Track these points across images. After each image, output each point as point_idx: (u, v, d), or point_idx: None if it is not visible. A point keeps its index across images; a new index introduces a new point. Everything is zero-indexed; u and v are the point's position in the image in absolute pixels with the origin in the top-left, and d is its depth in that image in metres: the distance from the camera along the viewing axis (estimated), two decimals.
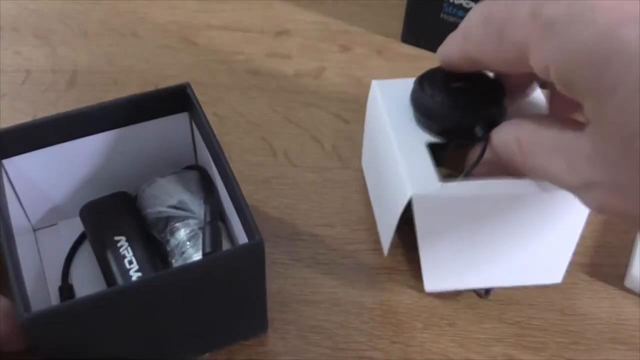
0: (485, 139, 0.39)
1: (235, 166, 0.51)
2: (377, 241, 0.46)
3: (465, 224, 0.39)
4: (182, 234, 0.41)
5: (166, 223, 0.42)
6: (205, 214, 0.41)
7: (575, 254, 0.46)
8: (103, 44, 0.61)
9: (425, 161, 0.39)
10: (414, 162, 0.39)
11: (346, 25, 0.63)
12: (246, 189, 0.49)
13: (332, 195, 0.49)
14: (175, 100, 0.42)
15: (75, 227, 0.44)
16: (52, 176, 0.43)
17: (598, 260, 0.46)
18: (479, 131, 0.39)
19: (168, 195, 0.43)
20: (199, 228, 0.41)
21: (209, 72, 0.58)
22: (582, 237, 0.47)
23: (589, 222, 0.48)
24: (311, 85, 0.57)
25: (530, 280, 0.42)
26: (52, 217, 0.45)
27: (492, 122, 0.40)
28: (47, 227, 0.45)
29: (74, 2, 0.64)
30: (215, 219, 0.40)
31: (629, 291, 0.44)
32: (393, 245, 0.43)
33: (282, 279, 0.44)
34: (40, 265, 0.43)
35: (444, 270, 0.41)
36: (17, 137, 0.40)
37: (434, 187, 0.38)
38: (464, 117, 0.40)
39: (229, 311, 0.38)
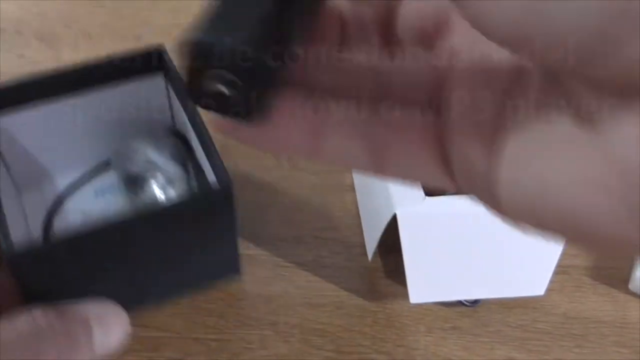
0: None
1: (239, 170, 0.51)
2: (381, 244, 0.46)
3: (450, 238, 0.40)
4: (152, 187, 0.44)
5: (136, 179, 0.45)
6: (186, 169, 0.45)
7: (578, 257, 0.46)
8: (106, 47, 0.61)
9: None
10: None
11: None
12: (250, 193, 0.50)
13: (335, 198, 0.49)
14: (150, 62, 0.44)
15: (59, 188, 0.47)
16: (34, 137, 0.44)
17: (602, 264, 0.46)
18: None
19: (137, 154, 0.46)
20: (168, 182, 0.44)
21: None
22: None
23: None
24: None
25: (513, 292, 0.43)
26: (36, 178, 0.47)
27: None
28: (31, 187, 0.47)
29: (77, 5, 0.64)
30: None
31: (633, 294, 0.44)
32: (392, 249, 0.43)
33: (286, 282, 0.44)
34: (26, 224, 0.45)
35: (429, 282, 0.41)
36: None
37: (418, 203, 0.38)
38: None
39: (202, 251, 0.40)
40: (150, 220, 0.37)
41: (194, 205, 0.37)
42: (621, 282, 0.45)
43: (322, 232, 0.47)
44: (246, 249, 0.46)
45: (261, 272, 0.45)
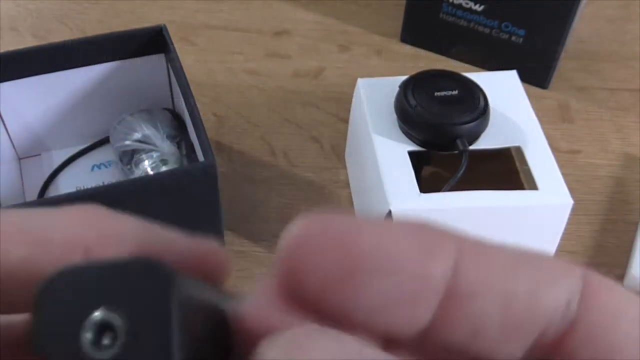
0: (467, 151, 0.39)
1: (234, 166, 0.51)
2: None
3: None
4: (145, 165, 0.45)
5: (132, 155, 0.46)
6: (180, 149, 0.47)
7: (575, 254, 0.46)
8: None
9: (406, 171, 0.39)
10: (394, 172, 0.39)
11: (345, 25, 0.63)
12: (245, 190, 0.50)
13: (331, 195, 0.49)
14: (152, 41, 0.45)
15: (56, 159, 0.48)
16: (35, 106, 0.46)
17: (597, 260, 0.46)
18: (460, 144, 0.39)
19: (134, 131, 0.47)
20: (161, 160, 0.45)
21: (207, 72, 0.58)
22: (582, 237, 0.47)
23: (588, 223, 0.48)
24: (310, 85, 0.57)
25: None
26: (36, 148, 0.48)
27: (474, 135, 0.40)
28: (30, 157, 0.48)
29: (73, 3, 0.64)
30: (191, 152, 0.46)
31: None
32: None
33: None
34: (22, 191, 0.46)
35: None
36: (4, 64, 0.42)
37: (413, 200, 0.38)
38: (445, 130, 0.40)
39: (185, 228, 0.41)
40: (132, 191, 0.38)
41: (177, 178, 0.38)
42: (616, 279, 0.45)
43: None
44: (241, 246, 0.45)
45: (256, 269, 0.45)
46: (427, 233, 0.14)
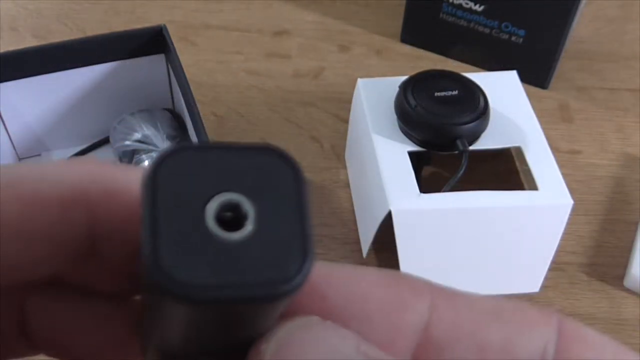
0: (467, 151, 0.39)
1: None
2: (375, 241, 0.45)
3: (444, 235, 0.39)
4: (145, 165, 0.46)
5: (132, 155, 0.46)
6: None
7: (575, 254, 0.46)
8: None
9: (406, 171, 0.39)
10: (394, 172, 0.39)
11: (345, 25, 0.63)
12: None
13: (330, 195, 0.49)
14: (152, 41, 0.45)
15: (56, 159, 0.49)
16: (35, 106, 0.46)
17: (597, 261, 0.46)
18: (460, 144, 0.39)
19: (134, 131, 0.47)
20: None
21: (207, 72, 0.58)
22: (581, 237, 0.47)
23: (587, 223, 0.48)
24: (310, 85, 0.57)
25: (509, 289, 0.42)
26: (36, 148, 0.48)
27: (474, 136, 0.40)
28: (30, 157, 0.48)
29: (73, 2, 0.64)
30: None
31: (628, 291, 0.44)
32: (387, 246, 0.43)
33: None
34: None
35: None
36: (4, 64, 0.42)
37: (413, 200, 0.38)
38: (445, 130, 0.40)
39: None
40: None
41: None
42: (616, 278, 0.45)
43: (317, 228, 0.47)
44: None
45: None
46: (402, 283, 0.14)
